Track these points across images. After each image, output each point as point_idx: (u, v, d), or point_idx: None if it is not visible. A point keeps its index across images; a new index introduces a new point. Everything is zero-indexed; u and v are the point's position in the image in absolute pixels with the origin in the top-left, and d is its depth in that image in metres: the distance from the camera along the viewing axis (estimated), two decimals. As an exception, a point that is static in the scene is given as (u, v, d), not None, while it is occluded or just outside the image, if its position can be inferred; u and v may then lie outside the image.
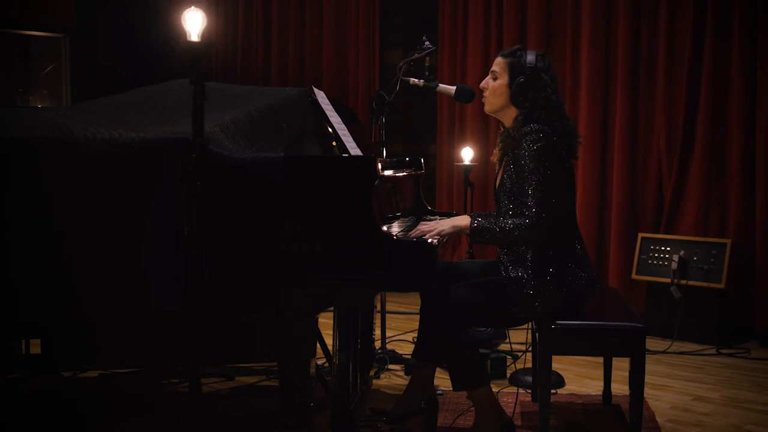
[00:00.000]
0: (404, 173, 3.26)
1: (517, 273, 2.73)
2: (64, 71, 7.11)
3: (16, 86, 6.85)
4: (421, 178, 3.50)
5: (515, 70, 2.78)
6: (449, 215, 3.26)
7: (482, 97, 2.89)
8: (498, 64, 2.83)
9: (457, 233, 2.75)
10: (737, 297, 4.58)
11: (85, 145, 2.50)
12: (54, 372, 3.64)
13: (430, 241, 2.48)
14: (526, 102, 2.75)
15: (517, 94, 2.77)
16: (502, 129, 2.90)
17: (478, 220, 2.71)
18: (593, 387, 3.65)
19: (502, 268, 2.79)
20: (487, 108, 2.89)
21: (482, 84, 2.88)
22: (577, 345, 2.77)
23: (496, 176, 2.93)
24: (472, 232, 2.71)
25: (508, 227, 2.66)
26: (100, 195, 2.50)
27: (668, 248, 4.67)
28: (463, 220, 2.75)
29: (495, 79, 2.83)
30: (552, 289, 2.71)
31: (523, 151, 2.68)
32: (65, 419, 3.17)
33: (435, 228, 2.71)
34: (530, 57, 2.77)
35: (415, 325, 3.60)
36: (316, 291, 2.47)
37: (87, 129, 2.54)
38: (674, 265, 4.56)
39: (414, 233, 2.71)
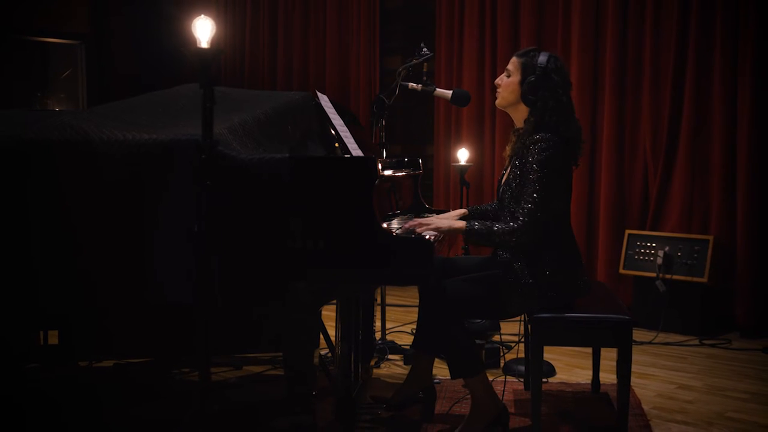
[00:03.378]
0: (403, 173, 3.25)
1: (513, 273, 2.73)
2: (80, 76, 7.11)
3: (35, 91, 6.85)
4: (419, 178, 3.50)
5: (527, 69, 2.78)
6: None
7: (496, 92, 2.90)
8: (512, 63, 2.84)
9: (452, 233, 2.75)
10: (719, 290, 4.58)
11: (101, 146, 2.50)
12: (71, 362, 3.64)
13: (427, 237, 2.47)
14: (537, 102, 2.74)
15: (527, 92, 2.76)
16: (514, 129, 2.91)
17: (473, 224, 2.70)
18: (583, 376, 3.65)
19: (498, 266, 2.79)
20: (498, 101, 2.89)
21: (497, 80, 2.90)
22: (568, 336, 2.76)
23: (504, 171, 2.93)
24: (467, 234, 2.70)
25: (502, 232, 2.65)
26: (114, 194, 2.50)
27: (654, 244, 4.67)
28: (459, 223, 2.74)
29: (508, 76, 2.84)
30: (545, 291, 2.71)
31: (530, 158, 2.67)
32: (81, 406, 3.18)
33: (432, 223, 2.71)
34: (542, 58, 2.76)
35: (414, 317, 3.61)
36: (319, 285, 2.47)
37: (102, 131, 2.54)
38: (659, 260, 4.56)
39: (411, 224, 2.70)
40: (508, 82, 2.83)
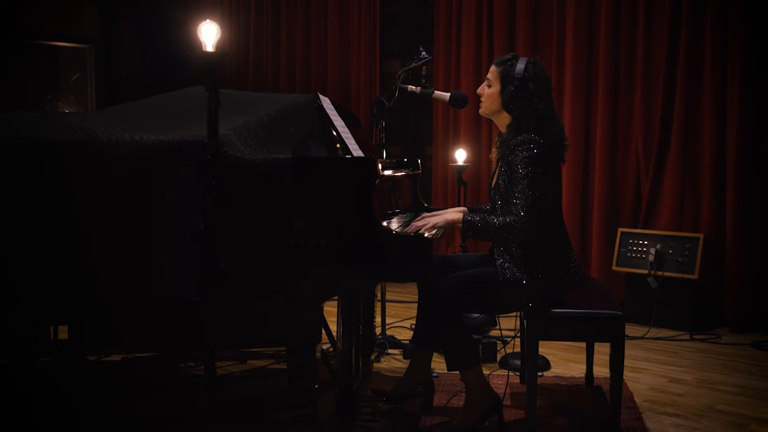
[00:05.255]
0: (402, 173, 3.25)
1: (510, 271, 2.72)
2: (89, 79, 7.12)
3: (46, 93, 6.86)
4: (418, 178, 3.50)
5: (506, 78, 2.77)
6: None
7: (479, 101, 2.90)
8: (491, 72, 2.83)
9: (449, 227, 2.74)
10: (709, 287, 4.58)
11: (109, 146, 2.50)
12: (80, 356, 3.64)
13: (426, 235, 2.47)
14: (516, 110, 2.75)
15: (507, 102, 2.76)
16: (498, 133, 2.91)
17: (469, 216, 2.71)
18: (577, 370, 3.65)
19: (496, 263, 2.79)
20: (481, 111, 2.89)
21: (478, 90, 2.89)
22: (562, 331, 2.76)
23: (493, 175, 2.93)
24: (464, 225, 2.70)
25: (497, 224, 2.65)
26: (122, 193, 2.50)
27: (646, 242, 4.67)
28: (455, 215, 2.74)
29: (489, 86, 2.83)
30: (541, 288, 2.70)
31: (516, 159, 2.67)
32: (91, 399, 3.17)
33: (428, 222, 2.70)
34: (520, 66, 2.75)
35: (413, 312, 3.60)
36: (321, 281, 2.46)
37: (110, 132, 2.54)
38: (651, 258, 4.56)
39: (410, 229, 2.70)
40: (489, 93, 2.83)
